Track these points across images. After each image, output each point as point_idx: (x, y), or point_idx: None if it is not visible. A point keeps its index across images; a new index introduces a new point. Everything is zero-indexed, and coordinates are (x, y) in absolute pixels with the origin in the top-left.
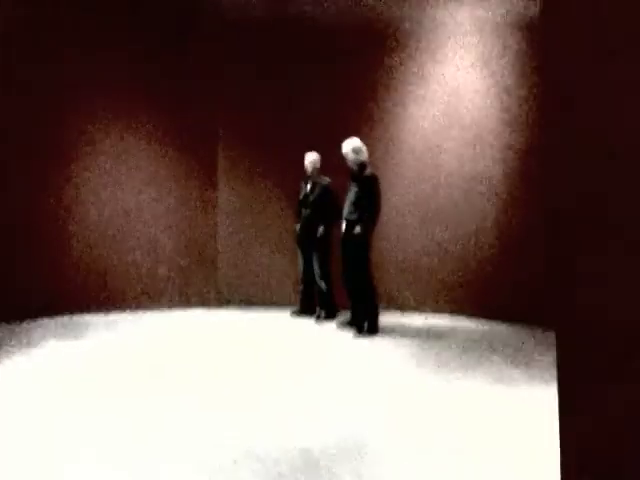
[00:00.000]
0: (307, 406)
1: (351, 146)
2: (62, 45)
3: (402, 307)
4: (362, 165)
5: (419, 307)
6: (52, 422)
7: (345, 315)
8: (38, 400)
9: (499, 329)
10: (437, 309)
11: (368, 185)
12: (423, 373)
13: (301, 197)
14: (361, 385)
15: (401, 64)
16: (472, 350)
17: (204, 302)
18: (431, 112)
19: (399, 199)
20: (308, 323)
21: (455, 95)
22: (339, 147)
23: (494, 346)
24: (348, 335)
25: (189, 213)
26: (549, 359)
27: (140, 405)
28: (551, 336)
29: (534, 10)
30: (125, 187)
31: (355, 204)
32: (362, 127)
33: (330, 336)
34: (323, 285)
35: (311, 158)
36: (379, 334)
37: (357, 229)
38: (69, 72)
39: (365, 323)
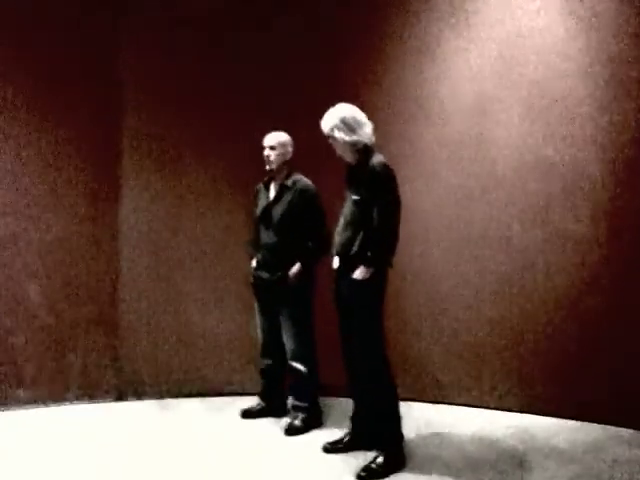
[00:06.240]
0: None
1: (338, 117)
2: None
3: (443, 397)
4: (364, 151)
5: (470, 399)
6: None
7: (337, 417)
8: None
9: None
10: (502, 403)
11: (375, 185)
12: None
13: (259, 212)
14: None
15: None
16: None
17: (94, 392)
18: (478, 74)
19: (426, 215)
20: (271, 434)
21: (519, 48)
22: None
23: None
24: (344, 469)
25: (73, 242)
26: None
27: None
28: None
29: None
30: None
31: (352, 223)
32: (362, 95)
33: (310, 469)
34: (301, 367)
35: (276, 140)
36: (405, 469)
37: (358, 272)
38: None
39: (380, 456)
